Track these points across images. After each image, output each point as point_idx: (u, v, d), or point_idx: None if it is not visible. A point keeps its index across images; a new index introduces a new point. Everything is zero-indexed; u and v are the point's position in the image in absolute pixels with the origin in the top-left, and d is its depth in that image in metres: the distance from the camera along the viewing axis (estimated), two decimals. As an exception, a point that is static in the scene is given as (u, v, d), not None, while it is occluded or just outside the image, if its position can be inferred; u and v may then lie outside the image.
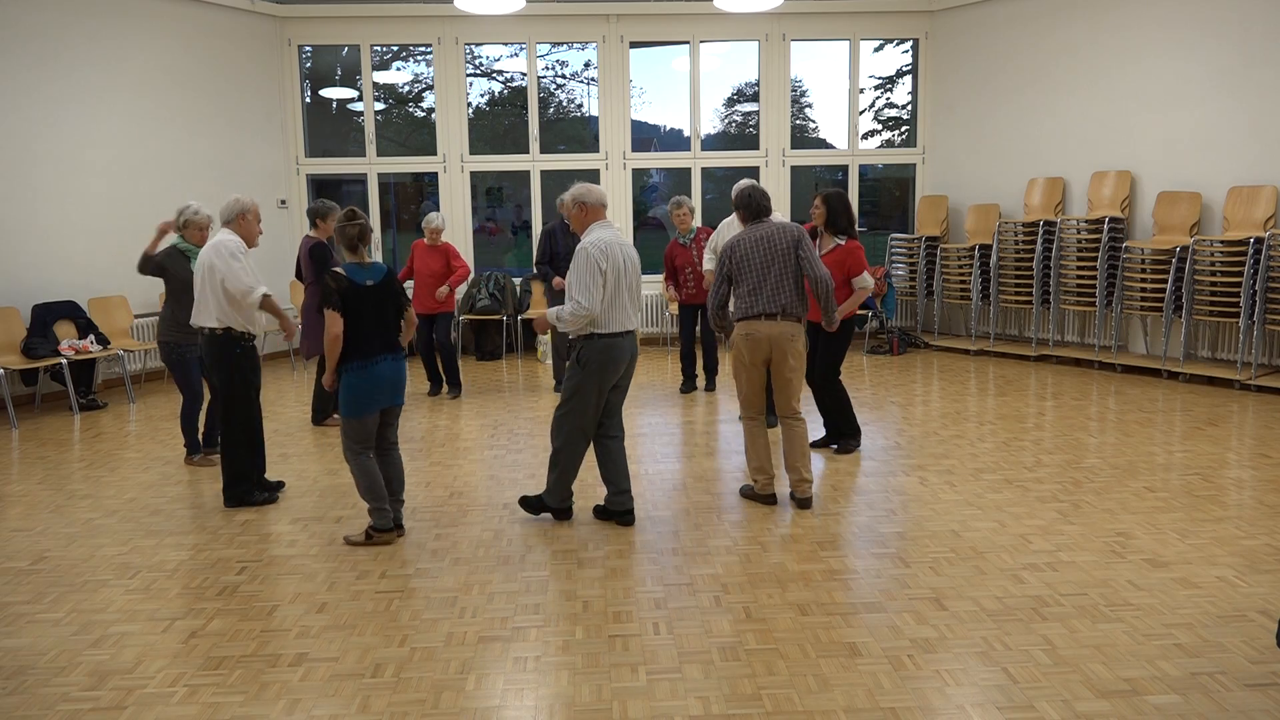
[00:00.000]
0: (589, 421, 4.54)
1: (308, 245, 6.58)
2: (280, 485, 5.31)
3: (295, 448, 6.30)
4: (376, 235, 10.52)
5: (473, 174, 10.53)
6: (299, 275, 6.87)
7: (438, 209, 10.66)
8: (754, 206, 4.94)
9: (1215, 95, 8.11)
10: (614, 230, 4.51)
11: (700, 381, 8.09)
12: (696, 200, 10.66)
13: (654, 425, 6.75)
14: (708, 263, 6.91)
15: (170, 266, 5.65)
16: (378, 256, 10.54)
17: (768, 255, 4.77)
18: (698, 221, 10.63)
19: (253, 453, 5.10)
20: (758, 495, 4.98)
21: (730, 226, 6.61)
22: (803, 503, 4.89)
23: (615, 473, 4.64)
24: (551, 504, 4.72)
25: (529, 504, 4.79)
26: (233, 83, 9.55)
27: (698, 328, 7.84)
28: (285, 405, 7.71)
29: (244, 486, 5.07)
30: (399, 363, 4.41)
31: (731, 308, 4.96)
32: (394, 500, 4.53)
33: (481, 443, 6.35)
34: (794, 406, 4.90)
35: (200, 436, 5.97)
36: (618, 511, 4.67)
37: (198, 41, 9.18)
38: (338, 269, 4.28)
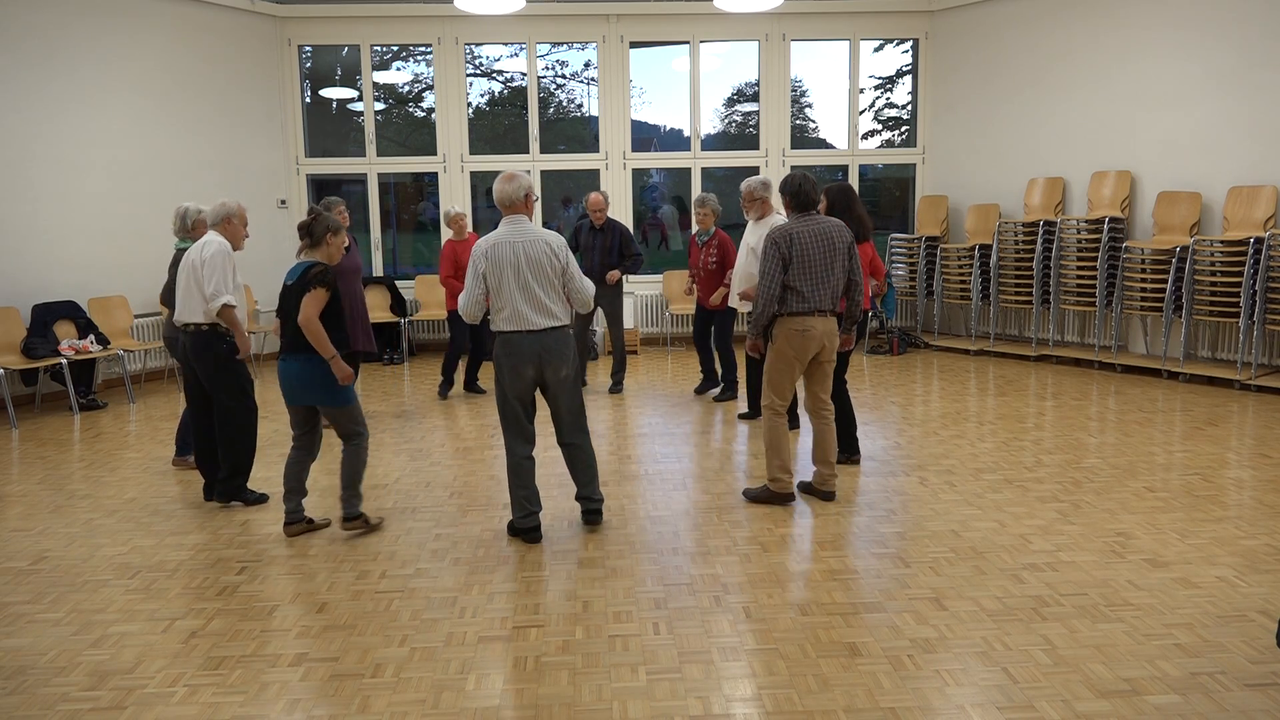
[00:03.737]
0: (515, 424, 4.37)
1: None
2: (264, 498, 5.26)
3: (295, 448, 6.30)
4: (376, 235, 10.52)
5: (473, 174, 10.53)
6: None
7: (437, 208, 10.67)
8: (803, 197, 4.79)
9: (1215, 95, 8.11)
10: (521, 227, 4.27)
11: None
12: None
13: (654, 425, 6.75)
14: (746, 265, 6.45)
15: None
16: (376, 257, 10.56)
17: (828, 252, 4.72)
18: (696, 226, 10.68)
19: (250, 448, 5.10)
20: (777, 496, 4.90)
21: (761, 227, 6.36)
22: (827, 496, 4.98)
23: (577, 477, 4.58)
24: (513, 522, 4.50)
25: (510, 528, 4.59)
26: (233, 83, 9.55)
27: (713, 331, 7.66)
28: (285, 406, 7.70)
29: (240, 481, 5.08)
30: (291, 363, 4.41)
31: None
32: (343, 491, 4.55)
33: (482, 443, 6.35)
34: (826, 399, 4.98)
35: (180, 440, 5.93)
36: (584, 511, 4.66)
37: (198, 41, 9.18)
38: None
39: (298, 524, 4.61)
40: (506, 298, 4.22)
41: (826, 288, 4.74)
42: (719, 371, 7.63)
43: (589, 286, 4.44)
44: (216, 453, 5.16)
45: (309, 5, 9.92)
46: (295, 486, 4.59)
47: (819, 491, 5.00)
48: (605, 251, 7.72)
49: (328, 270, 4.37)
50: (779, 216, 6.25)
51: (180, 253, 5.60)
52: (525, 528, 4.44)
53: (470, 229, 7.90)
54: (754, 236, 6.35)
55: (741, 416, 6.89)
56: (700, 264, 7.33)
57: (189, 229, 5.55)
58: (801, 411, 6.47)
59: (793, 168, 10.63)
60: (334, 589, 3.95)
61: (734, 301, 6.67)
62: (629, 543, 4.41)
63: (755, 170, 10.61)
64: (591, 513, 4.63)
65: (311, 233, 4.48)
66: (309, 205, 5.09)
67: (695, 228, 7.45)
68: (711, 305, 7.20)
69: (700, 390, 7.85)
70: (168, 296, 5.70)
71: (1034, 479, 5.31)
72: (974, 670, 3.17)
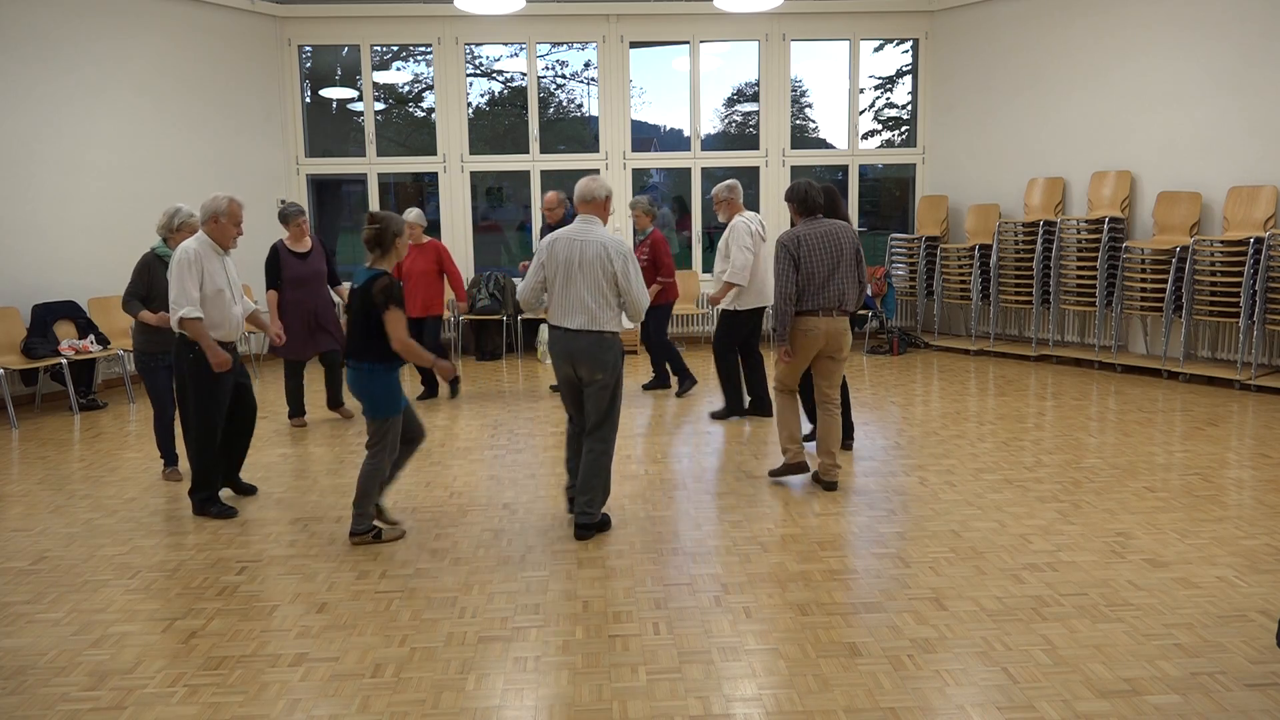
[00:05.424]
0: (567, 404, 4.56)
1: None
2: (252, 489, 5.24)
3: (295, 448, 6.30)
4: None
5: (473, 174, 10.53)
6: None
7: (437, 209, 10.66)
8: (809, 203, 5.05)
9: (1215, 95, 8.11)
10: (587, 228, 4.39)
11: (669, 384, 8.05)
12: (696, 200, 10.68)
13: (653, 425, 6.75)
14: (723, 260, 6.68)
15: (150, 274, 5.34)
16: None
17: (834, 254, 4.96)
18: (696, 226, 10.70)
19: (212, 463, 4.90)
20: (790, 467, 5.22)
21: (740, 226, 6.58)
22: (829, 485, 5.14)
23: (580, 479, 4.48)
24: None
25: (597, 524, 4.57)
26: (233, 83, 9.55)
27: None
28: (285, 406, 7.69)
29: (203, 494, 4.91)
30: (352, 370, 4.34)
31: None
32: (358, 509, 4.51)
33: (481, 443, 6.35)
34: (832, 394, 5.18)
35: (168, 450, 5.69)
36: (574, 522, 4.50)
37: (198, 41, 9.18)
38: None
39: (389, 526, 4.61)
40: (555, 292, 4.38)
41: (831, 288, 4.97)
42: (669, 368, 7.85)
43: (643, 299, 4.41)
44: (229, 453, 5.11)
45: (309, 5, 9.92)
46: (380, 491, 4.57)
47: (822, 481, 5.16)
48: None
49: (392, 286, 4.24)
50: (746, 214, 6.65)
51: (146, 253, 5.37)
52: (569, 496, 4.64)
53: (426, 237, 7.63)
54: (721, 239, 6.73)
55: (713, 416, 6.94)
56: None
57: (174, 230, 5.28)
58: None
59: (793, 168, 10.65)
60: (334, 589, 3.95)
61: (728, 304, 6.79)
62: (629, 543, 4.41)
63: (755, 170, 10.63)
64: (579, 526, 4.45)
65: (381, 244, 4.32)
66: (374, 210, 4.69)
67: (632, 227, 7.67)
68: None
69: (649, 387, 8.00)
70: (130, 303, 5.34)
71: (1034, 479, 5.31)
72: (974, 670, 3.17)
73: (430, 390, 7.92)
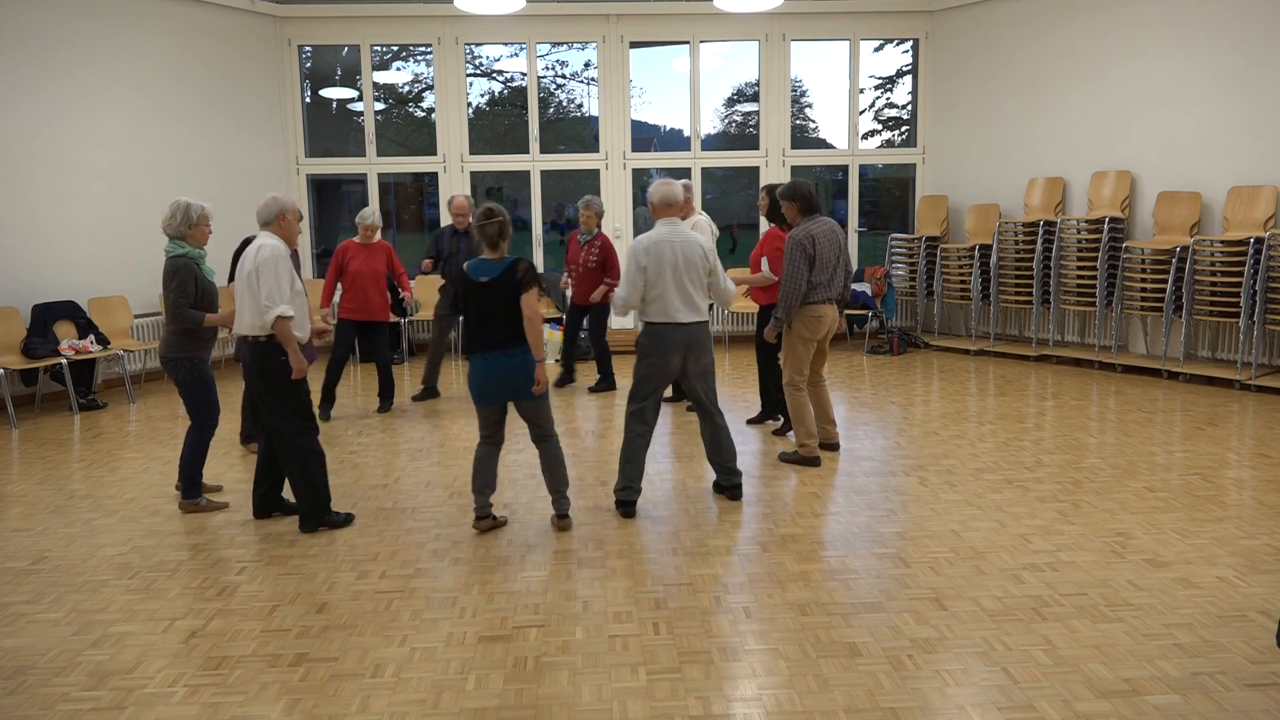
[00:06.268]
0: (643, 404, 4.79)
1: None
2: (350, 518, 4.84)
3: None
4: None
5: (473, 174, 10.53)
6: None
7: (436, 209, 10.67)
8: (814, 201, 5.49)
9: (1215, 95, 8.11)
10: (677, 229, 4.75)
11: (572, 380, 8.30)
12: (697, 200, 10.67)
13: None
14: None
15: (194, 279, 4.88)
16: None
17: (836, 249, 5.50)
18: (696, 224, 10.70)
19: (324, 469, 4.66)
20: (806, 459, 5.63)
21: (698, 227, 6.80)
22: (834, 447, 5.84)
23: (719, 451, 4.95)
24: (615, 493, 4.86)
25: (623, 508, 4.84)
26: (233, 83, 9.55)
27: (584, 330, 8.20)
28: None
29: (322, 509, 4.67)
30: (508, 359, 4.37)
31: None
32: (554, 493, 4.62)
33: (481, 443, 6.34)
34: (821, 373, 5.81)
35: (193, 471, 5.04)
36: (725, 486, 5.01)
37: (198, 41, 9.18)
38: (465, 266, 4.50)
39: (486, 519, 4.59)
40: (660, 291, 4.69)
41: (836, 280, 5.53)
42: (597, 366, 8.03)
43: (732, 286, 4.94)
44: (271, 472, 4.80)
45: (309, 5, 9.92)
46: (487, 482, 4.58)
47: (826, 445, 5.81)
48: (468, 255, 7.60)
49: (533, 266, 4.45)
50: (701, 215, 6.97)
51: (177, 258, 4.84)
52: (623, 500, 4.80)
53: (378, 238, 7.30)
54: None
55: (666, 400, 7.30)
56: (581, 262, 7.67)
57: (192, 225, 4.84)
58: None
59: (793, 168, 10.65)
60: (334, 589, 3.95)
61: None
62: (629, 543, 4.41)
63: (755, 170, 10.63)
64: (731, 488, 4.98)
65: (504, 235, 4.45)
66: (484, 205, 4.44)
67: (580, 226, 7.80)
68: (591, 302, 7.75)
69: (560, 383, 8.18)
70: (185, 312, 4.85)
71: (1034, 479, 5.31)
72: (974, 670, 3.17)
73: (327, 411, 7.08)
